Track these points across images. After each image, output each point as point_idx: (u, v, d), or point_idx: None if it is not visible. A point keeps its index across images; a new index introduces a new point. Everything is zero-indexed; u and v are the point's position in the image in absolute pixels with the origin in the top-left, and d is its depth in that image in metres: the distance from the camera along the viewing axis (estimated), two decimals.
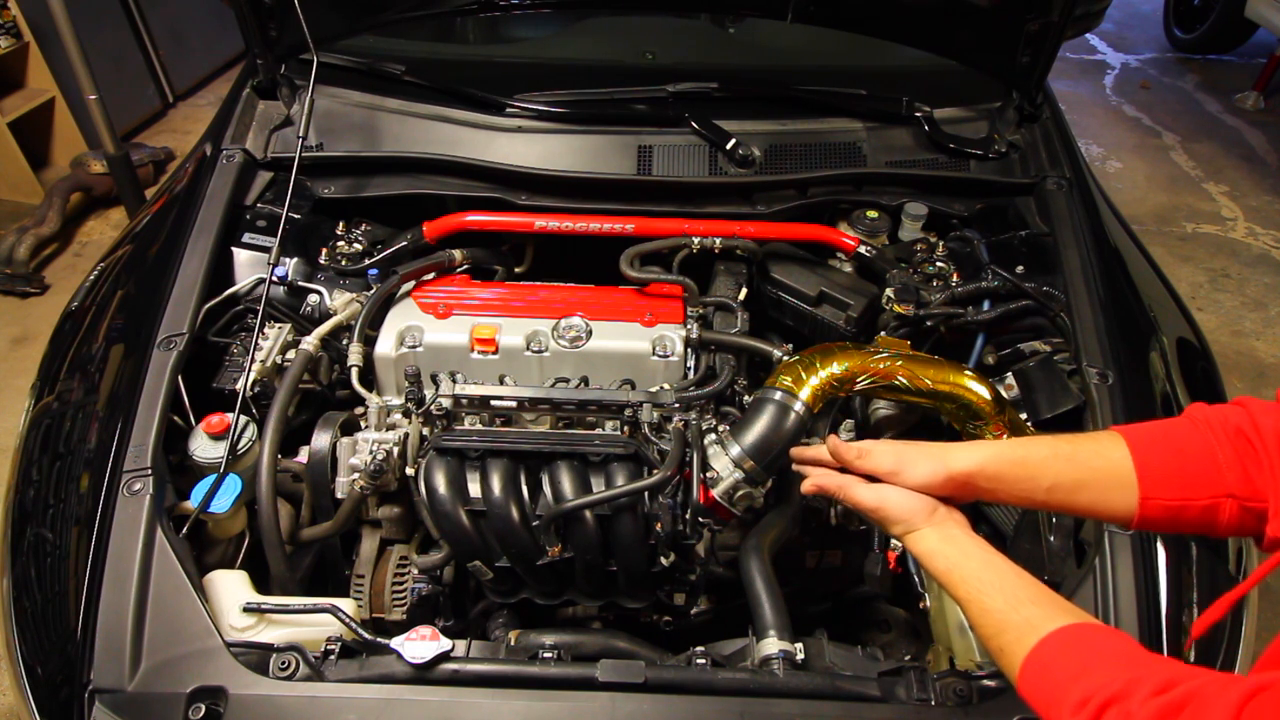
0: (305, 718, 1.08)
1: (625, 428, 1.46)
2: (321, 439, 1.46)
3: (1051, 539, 1.29)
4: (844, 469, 1.11)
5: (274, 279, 1.59)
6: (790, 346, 1.54)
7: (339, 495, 1.46)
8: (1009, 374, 1.53)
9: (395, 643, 1.15)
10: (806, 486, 1.16)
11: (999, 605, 0.87)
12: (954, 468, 1.00)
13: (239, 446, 1.39)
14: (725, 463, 1.35)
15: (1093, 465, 0.93)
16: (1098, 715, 0.71)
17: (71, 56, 3.13)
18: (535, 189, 1.78)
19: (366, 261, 1.73)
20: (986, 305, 1.64)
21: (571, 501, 1.33)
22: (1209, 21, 5.65)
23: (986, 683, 1.14)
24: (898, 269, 1.71)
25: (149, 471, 1.27)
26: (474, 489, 1.39)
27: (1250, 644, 1.20)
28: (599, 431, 1.48)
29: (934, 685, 1.14)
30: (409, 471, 1.44)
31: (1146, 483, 0.90)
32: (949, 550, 0.97)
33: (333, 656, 1.16)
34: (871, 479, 1.07)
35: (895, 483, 1.04)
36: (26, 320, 3.39)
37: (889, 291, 1.66)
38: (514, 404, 1.47)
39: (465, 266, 1.76)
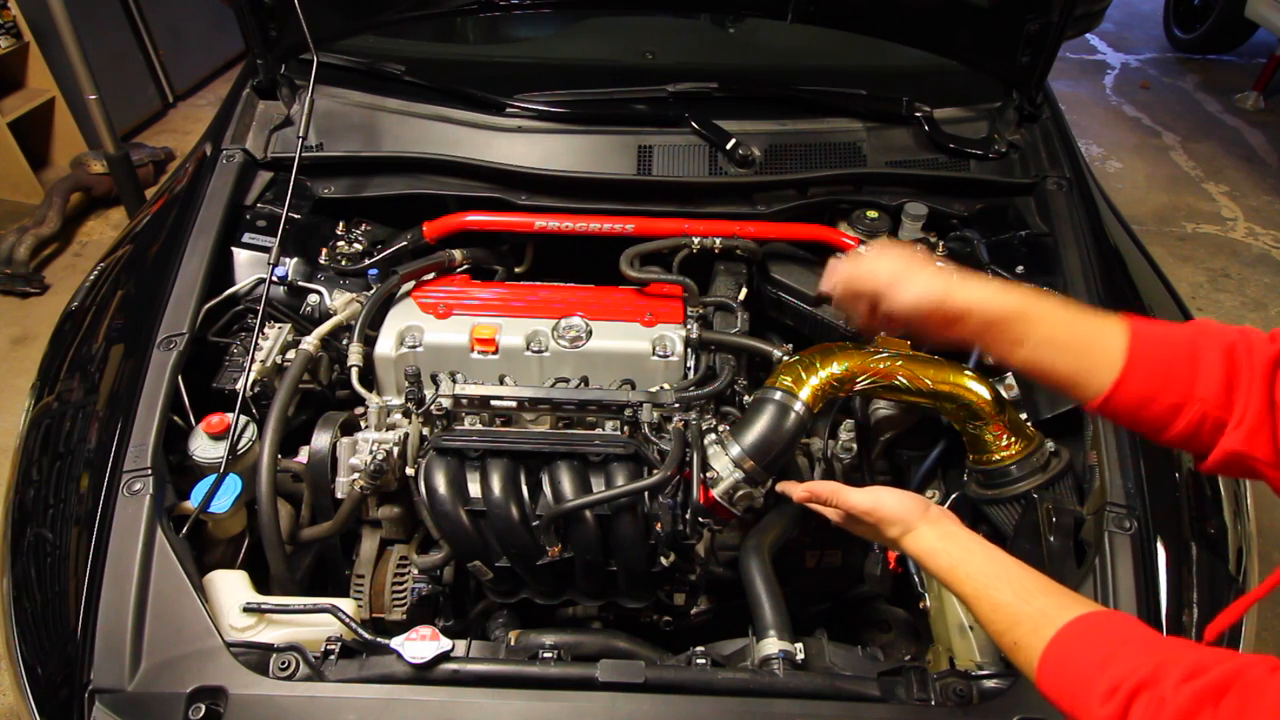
0: (305, 718, 1.08)
1: (625, 428, 1.46)
2: (321, 439, 1.46)
3: (1051, 539, 1.29)
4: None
5: (274, 279, 1.59)
6: (790, 346, 1.54)
7: (339, 495, 1.46)
8: (1009, 374, 1.53)
9: (395, 643, 1.15)
10: (799, 494, 1.17)
11: (1009, 599, 0.86)
12: (954, 295, 0.97)
13: (239, 446, 1.39)
14: (725, 463, 1.35)
15: (1088, 335, 0.92)
16: (1129, 702, 0.69)
17: (71, 56, 3.13)
18: (535, 189, 1.78)
19: (366, 261, 1.73)
20: None
21: (571, 501, 1.33)
22: (1209, 21, 5.65)
23: (986, 683, 1.14)
24: None
25: (149, 471, 1.27)
26: (474, 489, 1.39)
27: (1250, 644, 1.21)
28: (599, 431, 1.48)
29: (934, 685, 1.14)
30: (409, 471, 1.44)
31: (1130, 368, 0.89)
32: (950, 547, 0.97)
33: (333, 656, 1.16)
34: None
35: (892, 299, 1.02)
36: (26, 320, 3.39)
37: None
38: (514, 404, 1.47)
39: (465, 266, 1.76)
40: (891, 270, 1.03)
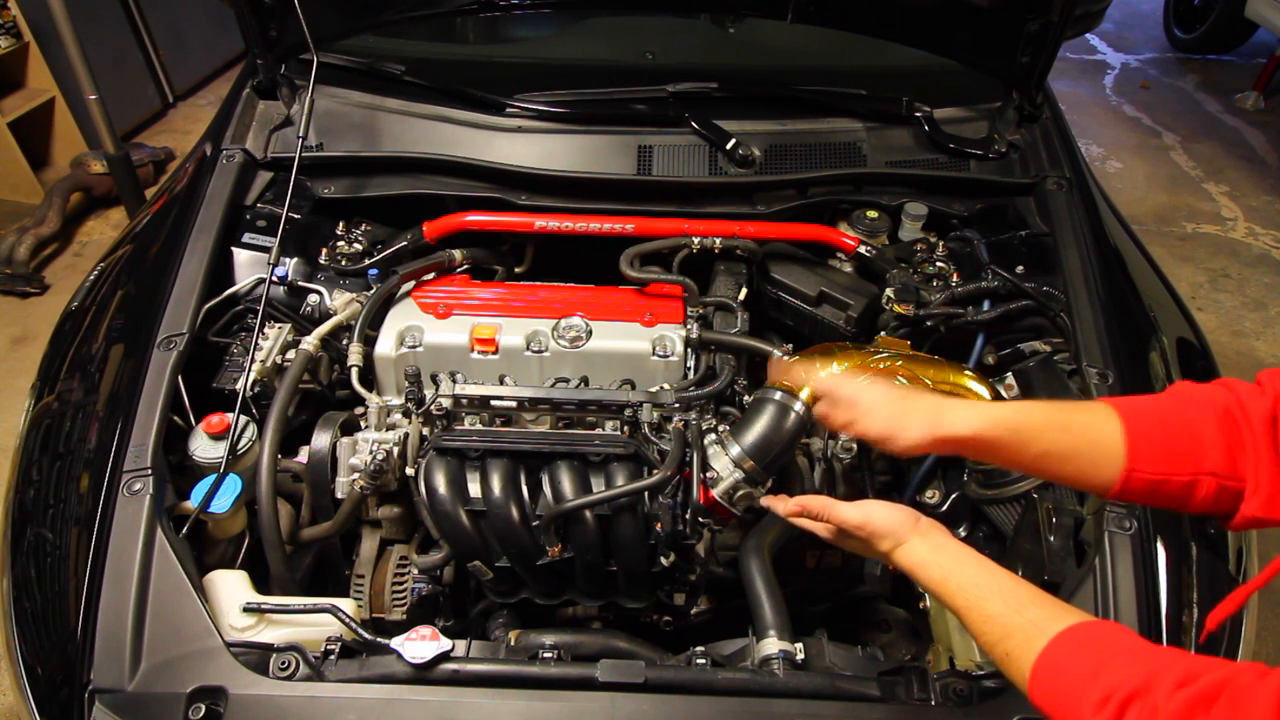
0: (305, 718, 1.08)
1: (625, 428, 1.46)
2: (321, 439, 1.46)
3: (1051, 539, 1.29)
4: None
5: (274, 279, 1.59)
6: (790, 346, 1.54)
7: (339, 495, 1.46)
8: (1009, 374, 1.53)
9: (395, 643, 1.15)
10: (788, 509, 1.17)
11: (1000, 610, 0.86)
12: (947, 432, 0.99)
13: (239, 446, 1.39)
14: (725, 463, 1.35)
15: (1086, 437, 0.93)
16: (1121, 711, 0.69)
17: (71, 56, 3.13)
18: (535, 189, 1.78)
19: (366, 261, 1.73)
20: (986, 305, 1.64)
21: (571, 501, 1.33)
22: (1209, 21, 5.65)
23: (986, 683, 1.14)
24: (898, 269, 1.71)
25: (149, 471, 1.27)
26: (474, 489, 1.39)
27: (1250, 644, 1.20)
28: (599, 431, 1.48)
29: (934, 685, 1.14)
30: (409, 471, 1.44)
31: (1134, 457, 0.90)
32: (941, 559, 0.97)
33: (333, 656, 1.16)
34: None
35: (887, 448, 1.04)
36: (26, 320, 3.39)
37: (889, 291, 1.66)
38: (514, 404, 1.47)
39: (465, 266, 1.76)
40: (883, 421, 1.05)
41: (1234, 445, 0.87)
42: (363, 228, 1.81)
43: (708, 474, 1.36)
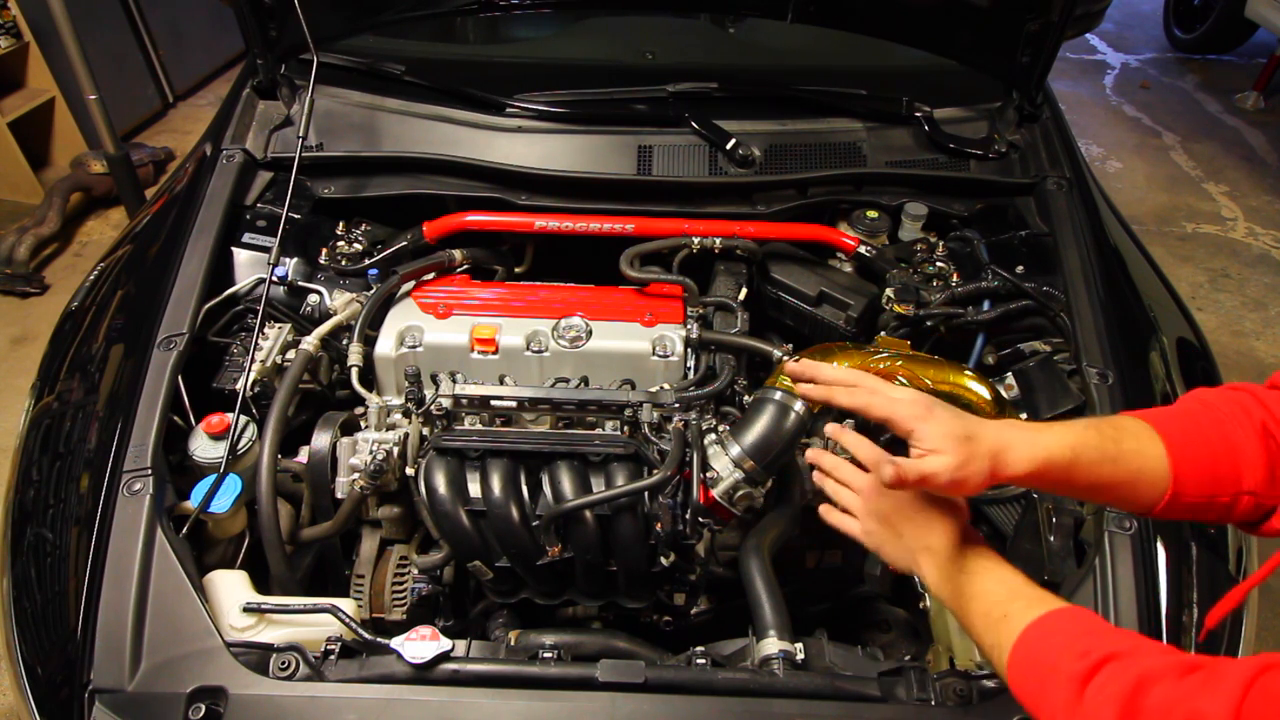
0: (305, 718, 1.08)
1: (625, 428, 1.46)
2: (321, 439, 1.46)
3: (1051, 539, 1.29)
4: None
5: (274, 279, 1.59)
6: (790, 346, 1.54)
7: (339, 495, 1.46)
8: (1009, 374, 1.53)
9: (395, 643, 1.15)
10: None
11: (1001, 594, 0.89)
12: (1004, 477, 0.94)
13: (239, 446, 1.39)
14: (725, 463, 1.35)
15: (1133, 466, 0.92)
16: (1098, 667, 0.71)
17: (71, 56, 3.13)
18: (535, 189, 1.78)
19: (366, 261, 1.73)
20: (986, 305, 1.64)
21: (571, 501, 1.33)
22: (1209, 21, 5.65)
23: (986, 683, 1.14)
24: (898, 269, 1.71)
25: (149, 471, 1.27)
26: (474, 489, 1.39)
27: (1250, 644, 1.20)
28: (599, 431, 1.48)
29: (934, 685, 1.13)
30: (409, 471, 1.44)
31: (1179, 482, 0.90)
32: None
33: (333, 656, 1.16)
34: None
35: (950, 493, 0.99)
36: (26, 320, 3.39)
37: (889, 291, 1.66)
38: (514, 404, 1.47)
39: (465, 266, 1.76)
40: (950, 468, 0.98)
41: (1274, 462, 0.88)
42: (363, 228, 1.81)
43: (708, 474, 1.36)
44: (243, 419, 1.41)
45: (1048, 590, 0.89)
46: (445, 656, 1.14)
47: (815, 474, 1.14)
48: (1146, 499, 0.92)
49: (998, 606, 0.87)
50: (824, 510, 1.10)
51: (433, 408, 1.45)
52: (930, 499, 1.00)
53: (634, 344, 1.55)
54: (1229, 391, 0.94)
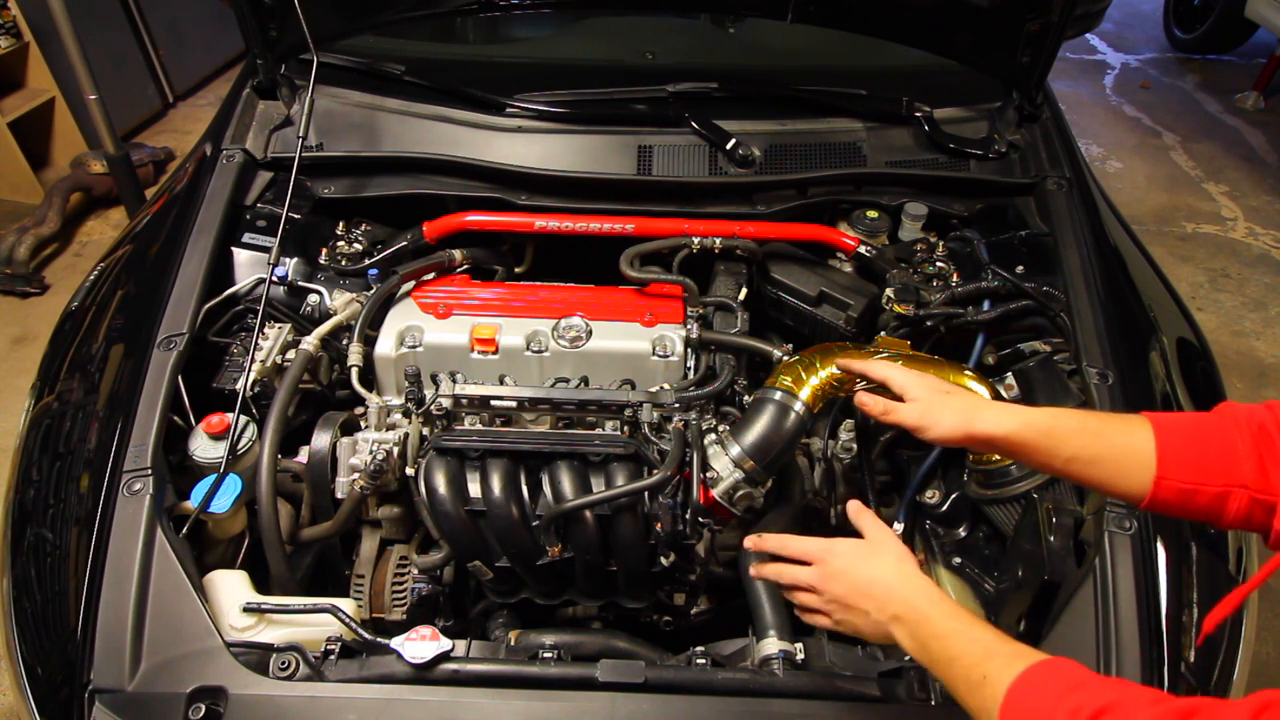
0: (305, 718, 1.08)
1: (625, 428, 1.46)
2: (321, 439, 1.46)
3: (1051, 539, 1.29)
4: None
5: (274, 279, 1.59)
6: (790, 346, 1.54)
7: (339, 495, 1.46)
8: (1009, 374, 1.53)
9: (395, 643, 1.15)
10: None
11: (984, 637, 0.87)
12: (979, 430, 1.01)
13: (239, 446, 1.39)
14: (725, 463, 1.35)
15: (1116, 443, 0.94)
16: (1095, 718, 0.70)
17: (71, 56, 3.13)
18: (535, 189, 1.78)
19: (366, 261, 1.73)
20: (986, 305, 1.63)
21: (571, 501, 1.33)
22: (1209, 21, 5.65)
23: None
24: (898, 269, 1.71)
25: (149, 471, 1.27)
26: (474, 489, 1.39)
27: (1250, 644, 1.20)
28: (599, 431, 1.48)
29: (934, 685, 1.14)
30: (409, 471, 1.44)
31: (1164, 465, 0.91)
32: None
33: (333, 656, 1.16)
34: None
35: (919, 436, 1.06)
36: (26, 320, 3.39)
37: (889, 291, 1.66)
38: (514, 404, 1.47)
39: (465, 266, 1.76)
40: (919, 411, 1.07)
41: (1267, 459, 0.88)
42: (363, 228, 1.81)
43: (708, 474, 1.36)
44: (243, 419, 1.41)
45: (1021, 642, 0.86)
46: (445, 656, 1.14)
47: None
48: (1134, 482, 0.92)
49: (975, 669, 0.83)
50: (798, 614, 1.09)
51: (433, 408, 1.45)
52: (874, 565, 0.99)
53: (634, 344, 1.55)
54: (1253, 405, 0.94)
